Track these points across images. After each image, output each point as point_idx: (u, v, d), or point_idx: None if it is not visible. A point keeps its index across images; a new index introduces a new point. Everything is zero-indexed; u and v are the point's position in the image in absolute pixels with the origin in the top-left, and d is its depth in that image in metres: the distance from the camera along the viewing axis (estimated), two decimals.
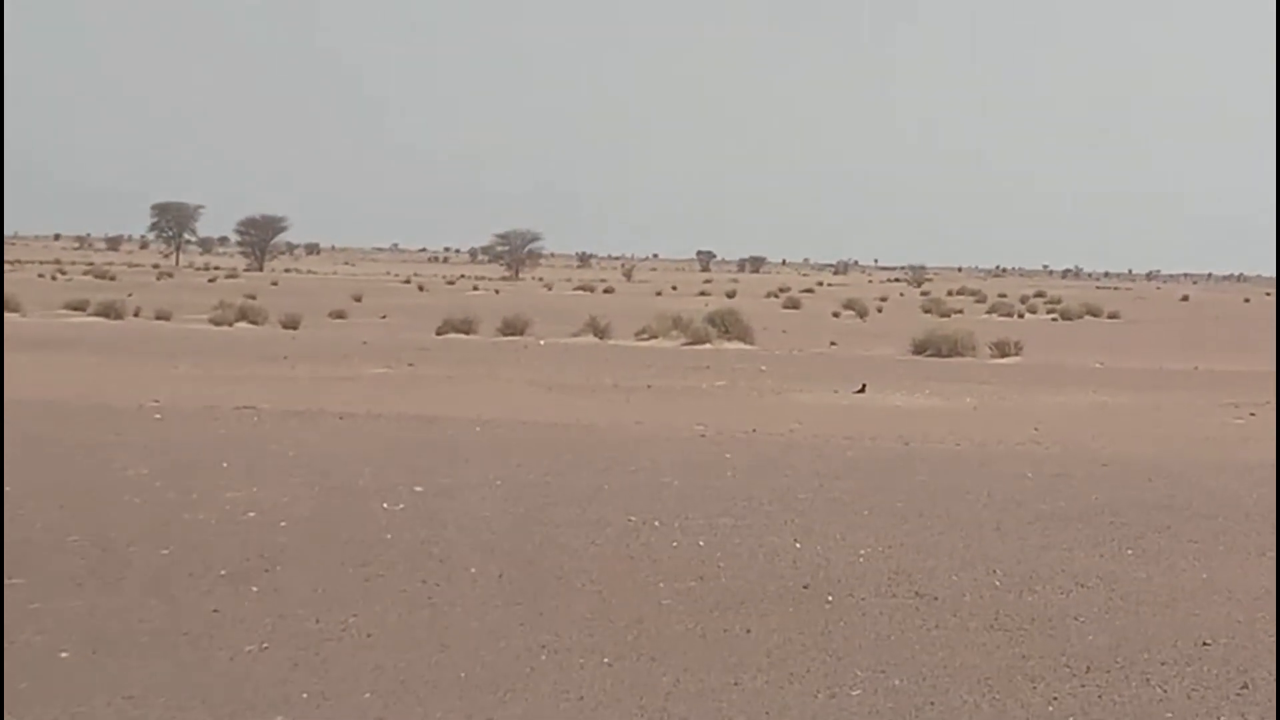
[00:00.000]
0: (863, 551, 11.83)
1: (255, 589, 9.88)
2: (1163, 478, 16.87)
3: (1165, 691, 8.19)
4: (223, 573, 10.36)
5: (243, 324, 47.25)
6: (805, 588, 10.45)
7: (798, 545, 12.03)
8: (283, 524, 12.37)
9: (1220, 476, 17.04)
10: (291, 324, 46.49)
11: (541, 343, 40.70)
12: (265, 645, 8.53)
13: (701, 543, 12.07)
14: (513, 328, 44.50)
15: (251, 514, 12.84)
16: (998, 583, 10.80)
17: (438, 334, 44.34)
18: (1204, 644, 9.16)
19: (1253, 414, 25.64)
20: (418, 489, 14.51)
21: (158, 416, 20.12)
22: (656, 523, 13.01)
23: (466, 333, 44.50)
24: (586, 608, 9.68)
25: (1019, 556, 11.82)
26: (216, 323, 46.52)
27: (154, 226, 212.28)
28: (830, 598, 10.13)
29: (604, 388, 27.52)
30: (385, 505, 13.50)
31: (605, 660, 8.42)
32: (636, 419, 22.36)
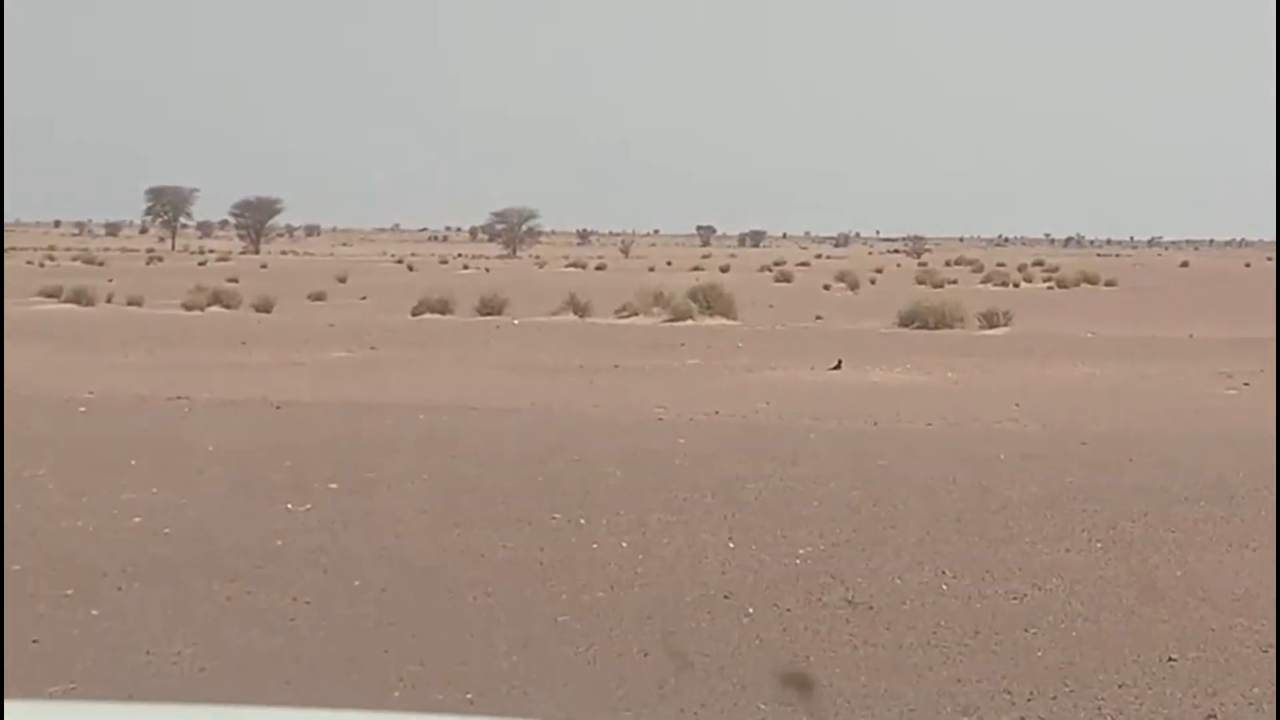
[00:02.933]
0: (801, 551, 10.70)
1: (96, 612, 8.75)
2: (1145, 456, 15.75)
3: None
4: (69, 592, 9.23)
5: (215, 308, 46.04)
6: (726, 597, 9.33)
7: (731, 545, 10.91)
8: (166, 531, 11.25)
9: (1207, 453, 15.92)
10: (264, 307, 45.29)
11: (515, 322, 39.54)
12: (72, 685, 7.39)
13: (625, 544, 10.95)
14: (490, 307, 43.29)
15: (137, 519, 11.72)
16: (944, 586, 9.67)
17: (413, 315, 43.17)
18: (1169, 660, 8.03)
19: (1246, 384, 24.51)
20: (333, 486, 13.39)
21: (82, 409, 18.99)
22: (582, 520, 11.89)
23: (442, 313, 43.32)
24: (470, 628, 8.56)
25: (974, 553, 10.69)
26: (188, 307, 45.30)
27: (149, 211, 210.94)
28: (751, 609, 9.01)
29: (570, 369, 26.40)
30: (290, 506, 12.38)
31: (468, 696, 7.28)
32: (595, 402, 21.24)
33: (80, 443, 15.90)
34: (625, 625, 8.63)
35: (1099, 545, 10.98)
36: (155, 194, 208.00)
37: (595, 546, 10.85)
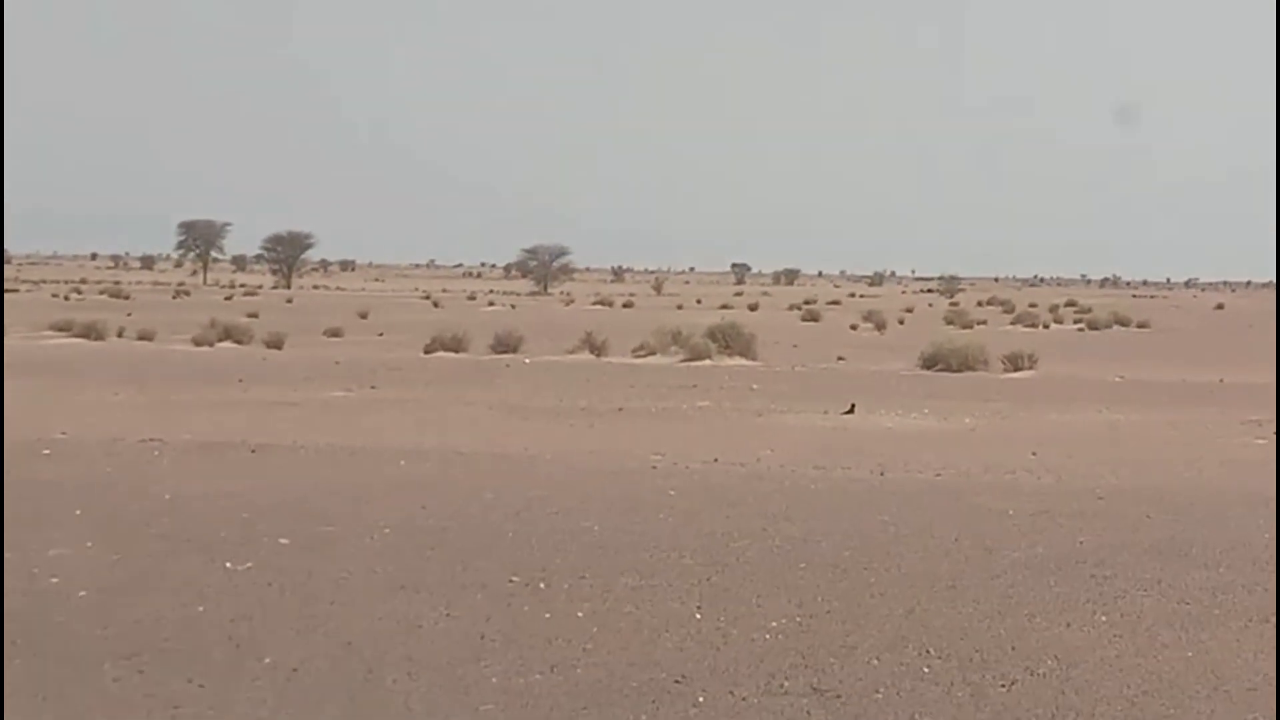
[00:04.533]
0: (774, 624, 9.68)
1: None
2: (1164, 514, 14.71)
3: None
4: None
5: (226, 343, 45.21)
6: (678, 681, 8.32)
7: (698, 616, 9.91)
8: (81, 594, 10.28)
9: (1231, 511, 14.87)
10: (275, 344, 44.41)
11: (527, 361, 38.57)
12: None
13: (581, 613, 9.94)
14: (505, 345, 42.36)
15: (55, 579, 10.76)
16: (926, 669, 8.64)
17: (426, 352, 42.26)
18: None
19: (1277, 432, 23.42)
20: (283, 541, 12.42)
21: (46, 452, 18.06)
22: (542, 584, 10.90)
23: (456, 350, 42.39)
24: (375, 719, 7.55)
25: (966, 627, 9.66)
26: (198, 343, 44.47)
27: (180, 245, 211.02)
28: (702, 697, 7.99)
29: (573, 411, 25.41)
30: (229, 564, 11.41)
31: None
32: (592, 448, 20.25)
33: (27, 489, 14.95)
34: (554, 718, 7.62)
35: (1104, 620, 9.94)
36: (188, 228, 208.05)
37: (548, 616, 9.85)
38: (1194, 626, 9.77)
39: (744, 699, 7.94)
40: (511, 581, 10.95)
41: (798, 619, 9.83)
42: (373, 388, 29.07)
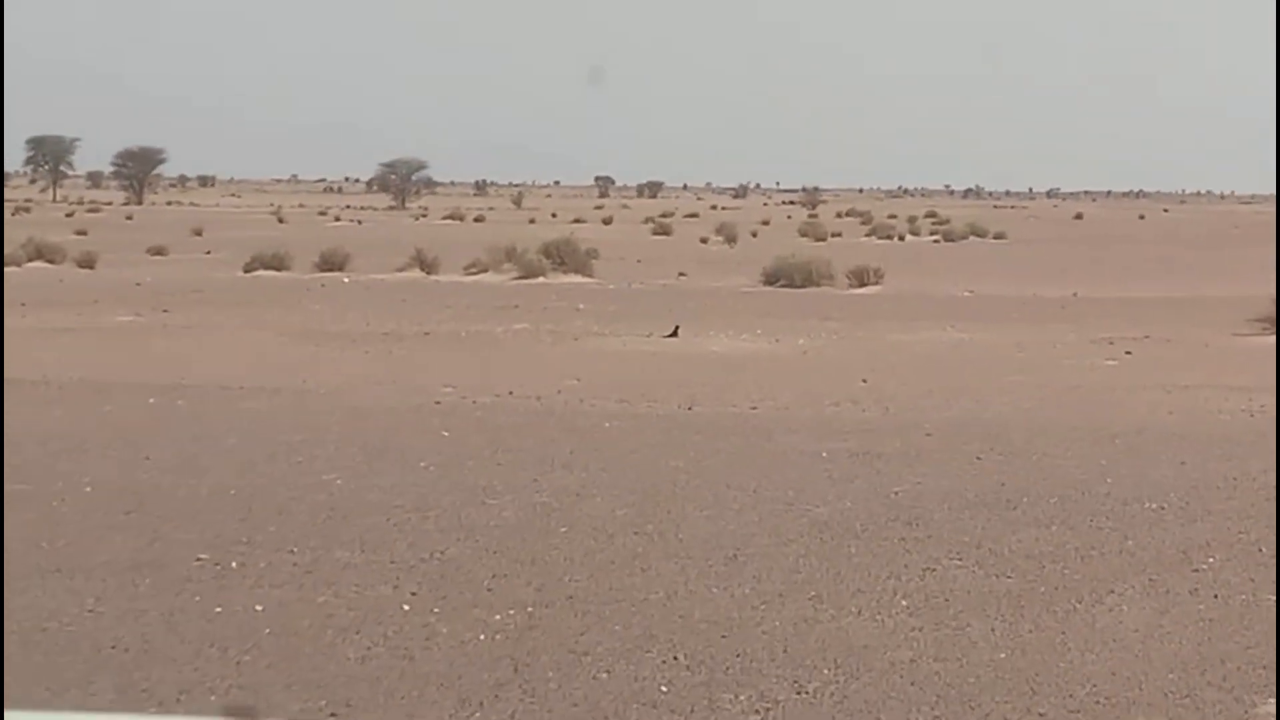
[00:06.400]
0: (498, 618, 7.80)
1: None
2: (997, 453, 13.02)
3: None
4: None
5: (38, 263, 42.63)
6: (335, 716, 6.41)
7: (406, 607, 8.01)
8: None
9: (1071, 450, 13.18)
10: (87, 263, 41.92)
11: (346, 280, 36.45)
12: None
13: (261, 606, 8.03)
14: (330, 263, 40.17)
15: None
16: (665, 688, 6.77)
17: (245, 271, 39.99)
18: None
19: (1128, 352, 21.86)
20: None
21: None
22: (235, 563, 8.98)
23: (278, 269, 40.15)
24: None
25: (733, 619, 7.82)
26: (4, 263, 41.85)
27: (29, 160, 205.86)
28: None
29: (374, 336, 23.39)
30: None
31: None
32: (379, 379, 18.30)
33: None
34: None
35: (904, 603, 8.14)
36: (36, 143, 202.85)
37: (218, 611, 7.92)
38: (1011, 613, 7.98)
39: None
40: (199, 560, 9.01)
41: (530, 609, 7.96)
42: (165, 311, 26.87)
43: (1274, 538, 9.47)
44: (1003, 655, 7.21)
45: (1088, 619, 7.87)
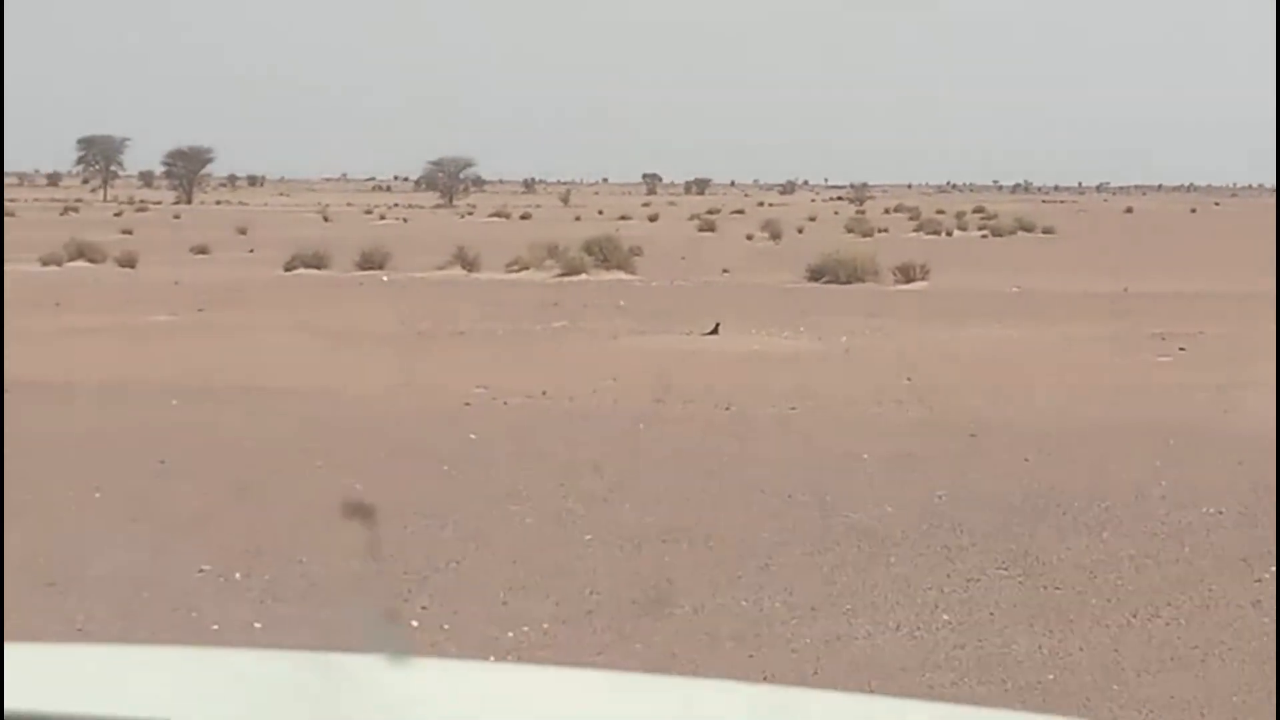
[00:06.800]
0: (510, 634, 7.30)
1: None
2: (1045, 455, 12.49)
3: None
4: None
5: (79, 262, 42.35)
6: None
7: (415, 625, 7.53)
8: None
9: (1124, 452, 12.63)
10: (128, 262, 41.61)
11: (385, 279, 36.05)
12: None
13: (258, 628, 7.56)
14: (371, 262, 39.78)
15: None
16: None
17: (286, 270, 39.63)
18: None
19: (1182, 348, 21.24)
20: None
21: None
22: (237, 575, 8.50)
23: (318, 268, 39.77)
24: None
25: (760, 635, 7.31)
26: (45, 262, 41.61)
27: (80, 160, 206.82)
28: None
29: (408, 336, 22.95)
30: None
31: None
32: (408, 381, 17.82)
33: None
34: None
35: (946, 618, 7.63)
36: (87, 143, 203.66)
37: (215, 628, 7.45)
38: (1061, 628, 7.46)
39: None
40: (201, 571, 8.54)
41: (545, 626, 7.49)
42: (200, 311, 26.49)
43: None
44: (1051, 676, 6.69)
45: (1143, 635, 7.34)
